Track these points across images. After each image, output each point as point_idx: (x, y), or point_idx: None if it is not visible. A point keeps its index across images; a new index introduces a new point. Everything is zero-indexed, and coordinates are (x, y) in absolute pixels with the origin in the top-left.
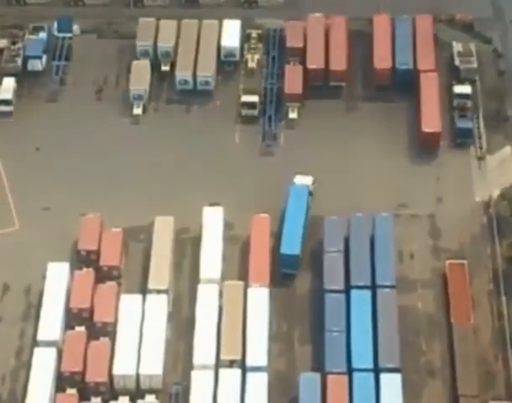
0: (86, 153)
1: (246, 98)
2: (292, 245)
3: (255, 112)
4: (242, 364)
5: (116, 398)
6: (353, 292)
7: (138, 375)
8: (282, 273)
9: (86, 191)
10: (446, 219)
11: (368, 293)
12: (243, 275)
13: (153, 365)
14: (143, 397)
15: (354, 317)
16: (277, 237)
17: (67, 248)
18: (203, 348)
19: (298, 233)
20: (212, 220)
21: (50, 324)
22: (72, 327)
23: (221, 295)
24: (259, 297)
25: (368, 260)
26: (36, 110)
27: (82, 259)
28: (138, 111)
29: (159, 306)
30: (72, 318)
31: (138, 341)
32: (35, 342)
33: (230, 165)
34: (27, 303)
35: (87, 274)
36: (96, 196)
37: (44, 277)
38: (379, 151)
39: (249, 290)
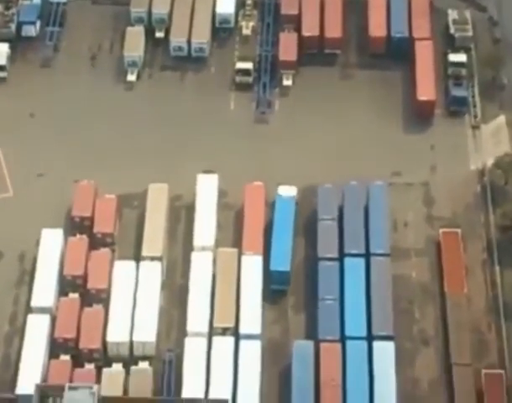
0: (80, 119)
1: (240, 65)
2: (282, 261)
3: (250, 79)
4: (235, 332)
5: (109, 365)
6: (347, 260)
7: (131, 342)
8: (272, 290)
9: (80, 158)
10: (440, 188)
11: (361, 261)
12: (237, 243)
13: (146, 332)
14: (136, 364)
15: (348, 285)
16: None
17: (61, 215)
18: (196, 316)
19: (287, 249)
20: (206, 187)
21: (44, 291)
22: (66, 294)
23: (214, 262)
24: (253, 265)
25: (361, 228)
26: (30, 76)
27: (76, 226)
28: (132, 77)
29: (152, 273)
30: (66, 285)
31: (132, 308)
32: (29, 309)
33: (224, 132)
34: (21, 270)
35: (81, 240)
36: (90, 162)
37: (37, 244)
38: (374, 119)
39: (243, 258)
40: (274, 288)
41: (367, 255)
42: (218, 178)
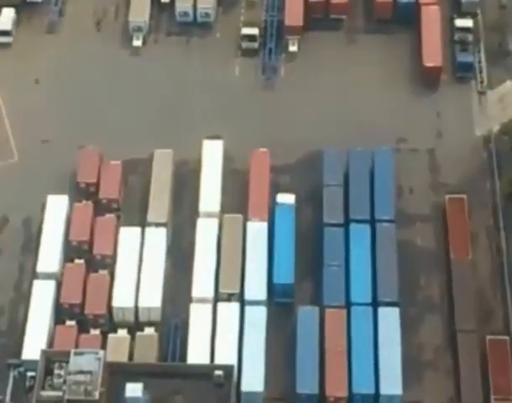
0: (86, 85)
1: (246, 31)
2: (285, 274)
3: (255, 45)
4: (240, 298)
5: (115, 330)
6: (352, 226)
7: (137, 308)
8: (276, 302)
9: (85, 124)
10: (445, 154)
11: (366, 227)
12: (243, 209)
13: (152, 298)
14: (142, 330)
15: (353, 251)
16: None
17: (66, 181)
18: (202, 282)
19: (290, 260)
20: (212, 153)
21: (50, 256)
22: (71, 260)
23: (220, 228)
24: (259, 231)
25: (367, 194)
26: (35, 41)
27: (81, 192)
28: (137, 43)
29: (158, 239)
30: (71, 251)
31: (137, 274)
32: (35, 274)
33: (230, 98)
34: (26, 235)
35: (86, 206)
36: (95, 128)
37: (43, 209)
38: (380, 85)
39: (248, 224)
40: (278, 301)
41: (372, 221)
42: (224, 144)
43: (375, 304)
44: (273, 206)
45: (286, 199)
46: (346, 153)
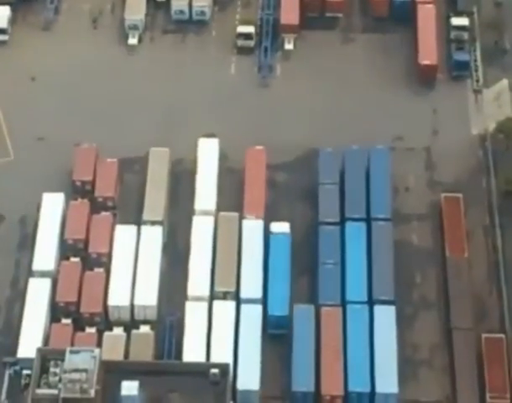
0: (81, 83)
1: (242, 29)
2: (280, 306)
3: (251, 43)
4: (236, 296)
5: (111, 328)
6: (348, 224)
7: (132, 306)
8: (269, 334)
9: (81, 122)
10: (441, 152)
11: (362, 225)
12: (238, 207)
13: (147, 296)
14: (137, 328)
15: (349, 250)
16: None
17: (62, 179)
18: (197, 280)
19: (285, 292)
20: (208, 151)
21: (45, 254)
22: (67, 258)
23: (215, 226)
24: (254, 229)
25: (363, 193)
26: (31, 39)
27: (77, 190)
28: (133, 41)
29: (153, 238)
30: (67, 249)
31: (133, 272)
32: (30, 273)
33: (226, 96)
34: (22, 233)
35: (82, 204)
36: (91, 126)
37: (38, 207)
38: (376, 83)
39: (244, 222)
40: (272, 333)
41: (368, 220)
42: (219, 142)
43: (371, 302)
44: (267, 235)
45: (281, 228)
46: (341, 152)
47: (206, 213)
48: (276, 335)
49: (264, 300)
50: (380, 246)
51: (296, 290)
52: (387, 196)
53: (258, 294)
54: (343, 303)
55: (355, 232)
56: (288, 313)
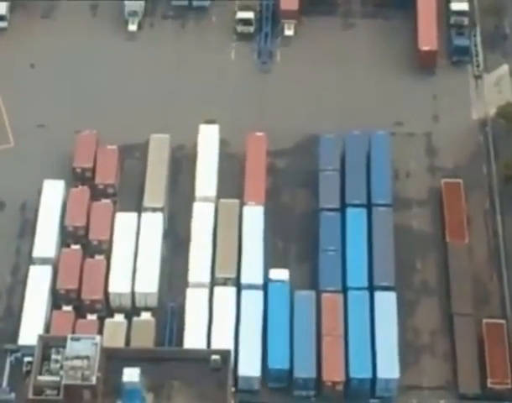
0: (81, 69)
1: (242, 15)
2: (281, 359)
3: (251, 29)
4: (237, 282)
5: (111, 315)
6: (349, 210)
7: (133, 293)
8: (269, 387)
9: (82, 108)
10: (442, 137)
11: (363, 211)
12: (239, 193)
13: (148, 283)
14: (138, 315)
15: (349, 236)
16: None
17: (62, 166)
18: (198, 266)
19: (285, 343)
20: (208, 137)
21: (46, 242)
22: (68, 245)
23: (216, 212)
24: (255, 215)
25: (363, 178)
26: (31, 26)
27: (77, 177)
28: (133, 27)
29: (154, 224)
30: (68, 236)
31: (134, 259)
32: (31, 260)
33: (226, 83)
34: (22, 220)
35: (83, 191)
36: (91, 113)
37: (39, 194)
38: (376, 69)
39: (245, 208)
40: (272, 386)
41: (369, 205)
42: (220, 128)
43: (372, 288)
44: (266, 280)
45: (280, 275)
46: (342, 138)
47: (206, 200)
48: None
49: (264, 354)
50: (381, 232)
51: (297, 276)
52: (387, 182)
53: (259, 280)
54: (344, 289)
55: (356, 219)
56: (289, 367)
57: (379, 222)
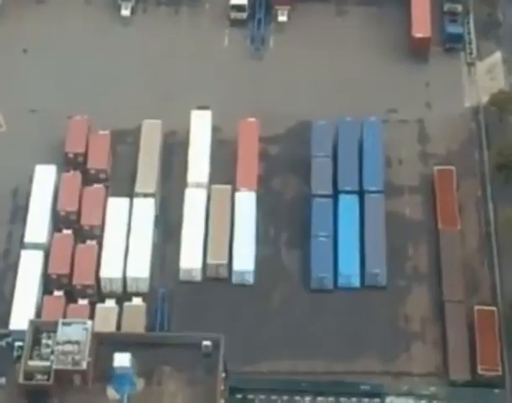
0: (74, 55)
1: (235, 1)
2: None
3: (244, 15)
4: (228, 268)
5: (103, 300)
6: (341, 197)
7: (124, 278)
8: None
9: (74, 94)
10: (434, 125)
11: (355, 198)
12: (231, 179)
13: (139, 268)
14: (129, 300)
15: (341, 223)
16: None
17: (54, 151)
18: (190, 252)
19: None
20: (200, 123)
21: (37, 226)
22: (59, 230)
23: (208, 198)
24: (247, 201)
25: (355, 165)
26: (24, 11)
27: (69, 162)
28: (126, 12)
29: (146, 210)
30: (59, 221)
31: (125, 244)
32: (23, 245)
33: (218, 69)
34: (14, 205)
35: (74, 176)
36: (83, 98)
37: (31, 179)
38: (369, 56)
39: (237, 194)
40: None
41: (361, 192)
42: (212, 114)
43: (363, 275)
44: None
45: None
46: (334, 124)
47: (198, 185)
48: None
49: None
50: (372, 218)
51: (288, 263)
52: (380, 169)
53: (250, 266)
54: (335, 278)
55: (348, 205)
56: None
57: (371, 208)
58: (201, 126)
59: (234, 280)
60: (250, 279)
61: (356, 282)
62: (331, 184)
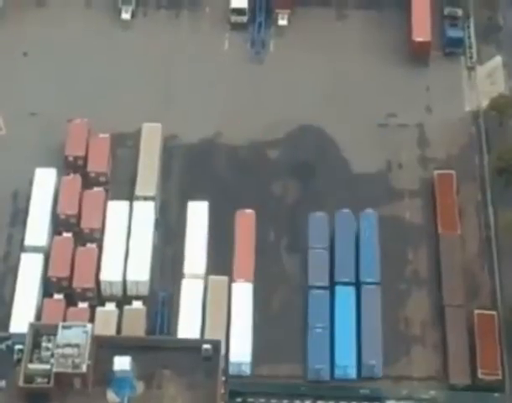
0: (74, 58)
1: (235, 4)
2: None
3: (244, 19)
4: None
5: (103, 304)
6: (338, 288)
7: (124, 281)
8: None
9: (74, 97)
10: (435, 129)
11: (352, 289)
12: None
13: (139, 271)
14: (129, 303)
15: (338, 314)
16: None
17: (54, 154)
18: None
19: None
20: (197, 217)
21: (38, 230)
22: (59, 233)
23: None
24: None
25: (352, 257)
26: (24, 15)
27: (69, 165)
28: (126, 16)
29: (146, 213)
30: (59, 224)
31: (125, 247)
32: (23, 248)
33: (219, 72)
34: (14, 208)
35: (74, 179)
36: (83, 101)
37: (31, 183)
38: (369, 60)
39: (233, 286)
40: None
41: (357, 284)
42: (212, 118)
43: (360, 366)
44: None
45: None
46: (331, 216)
47: (195, 277)
48: None
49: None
50: (369, 310)
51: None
52: (376, 261)
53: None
54: (332, 367)
55: (344, 297)
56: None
57: (368, 300)
58: (197, 218)
59: (231, 371)
60: (247, 370)
61: (352, 373)
62: (328, 275)
